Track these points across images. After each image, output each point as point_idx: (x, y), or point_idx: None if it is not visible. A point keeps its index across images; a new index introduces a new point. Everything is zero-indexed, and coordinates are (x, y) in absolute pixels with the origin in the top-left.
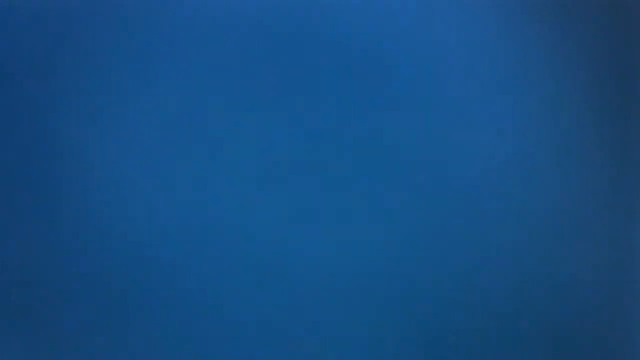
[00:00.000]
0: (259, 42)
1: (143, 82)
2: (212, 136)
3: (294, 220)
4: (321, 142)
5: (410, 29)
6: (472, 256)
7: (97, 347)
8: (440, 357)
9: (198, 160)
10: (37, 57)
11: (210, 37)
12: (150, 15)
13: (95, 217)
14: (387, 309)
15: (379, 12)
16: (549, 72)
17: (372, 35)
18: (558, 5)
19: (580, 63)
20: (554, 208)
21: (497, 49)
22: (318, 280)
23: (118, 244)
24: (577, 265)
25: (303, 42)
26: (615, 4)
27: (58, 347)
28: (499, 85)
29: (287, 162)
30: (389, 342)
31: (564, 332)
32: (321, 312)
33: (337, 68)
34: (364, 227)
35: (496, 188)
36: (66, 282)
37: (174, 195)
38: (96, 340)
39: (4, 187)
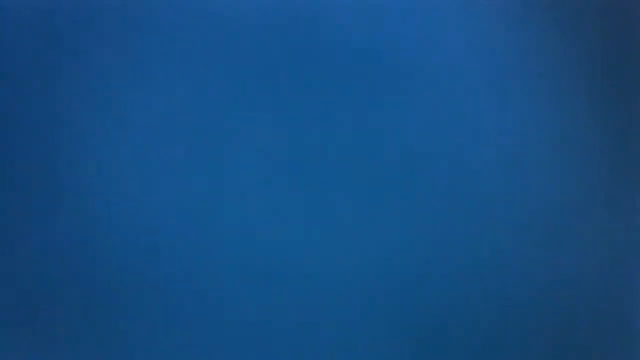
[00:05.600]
0: (261, 41)
1: (144, 82)
2: (214, 136)
3: (294, 220)
4: (322, 142)
5: (411, 29)
6: (473, 255)
7: (96, 347)
8: (440, 356)
9: (199, 160)
10: (38, 56)
11: (212, 36)
12: (151, 14)
13: (95, 216)
14: (388, 308)
15: (380, 13)
16: (549, 72)
17: (373, 36)
18: (558, 5)
19: (580, 63)
20: (554, 207)
21: (497, 48)
22: (319, 280)
23: (118, 244)
24: (577, 264)
25: (304, 42)
26: (615, 4)
27: (57, 347)
28: (499, 85)
29: (289, 162)
30: (390, 342)
31: (563, 331)
32: (322, 313)
33: (340, 68)
34: (365, 227)
35: (496, 187)
36: (66, 282)
37: (174, 194)
38: (96, 340)
39: (4, 187)
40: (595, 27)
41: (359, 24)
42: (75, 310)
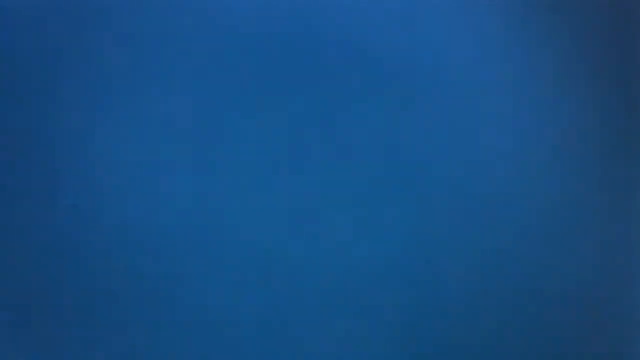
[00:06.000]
0: (261, 41)
1: (143, 82)
2: (213, 135)
3: (294, 219)
4: (322, 142)
5: (410, 29)
6: (472, 255)
7: (96, 347)
8: (440, 355)
9: (199, 159)
10: (38, 56)
11: (211, 36)
12: (151, 14)
13: (94, 215)
14: (388, 307)
15: (380, 13)
16: (549, 72)
17: (373, 36)
18: (558, 5)
19: (581, 63)
20: (555, 207)
21: (496, 48)
22: (320, 280)
23: (117, 244)
24: (577, 264)
25: (304, 42)
26: (615, 4)
27: (57, 347)
28: (499, 84)
29: (288, 161)
30: (390, 341)
31: (563, 331)
32: (323, 313)
33: (340, 69)
34: (366, 226)
35: (495, 187)
36: (65, 282)
37: (173, 194)
38: (95, 340)
39: (4, 187)
40: (596, 27)
41: (359, 24)
42: (73, 310)
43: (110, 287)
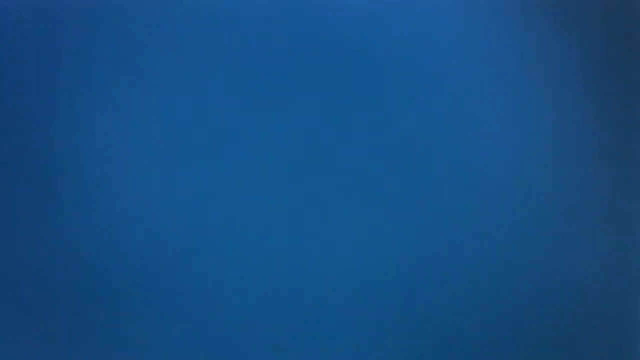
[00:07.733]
0: (261, 40)
1: (143, 81)
2: (214, 135)
3: (294, 218)
4: (324, 141)
5: (412, 29)
6: (472, 255)
7: (95, 347)
8: (440, 355)
9: (199, 159)
10: (37, 56)
11: (212, 35)
12: (151, 11)
13: (94, 215)
14: (388, 308)
15: (381, 10)
16: (549, 72)
17: (373, 34)
18: (558, 5)
19: (581, 63)
20: (554, 207)
21: (497, 48)
22: (321, 279)
23: (118, 243)
24: (577, 265)
25: (305, 42)
26: (615, 4)
27: (56, 348)
28: (500, 85)
29: (288, 160)
30: (392, 340)
31: (564, 331)
32: (323, 312)
33: (341, 67)
34: (366, 226)
35: (496, 187)
36: (63, 282)
37: (174, 194)
38: (95, 340)
39: (3, 187)
40: (596, 27)
41: (359, 22)
42: (73, 309)
43: (110, 286)
